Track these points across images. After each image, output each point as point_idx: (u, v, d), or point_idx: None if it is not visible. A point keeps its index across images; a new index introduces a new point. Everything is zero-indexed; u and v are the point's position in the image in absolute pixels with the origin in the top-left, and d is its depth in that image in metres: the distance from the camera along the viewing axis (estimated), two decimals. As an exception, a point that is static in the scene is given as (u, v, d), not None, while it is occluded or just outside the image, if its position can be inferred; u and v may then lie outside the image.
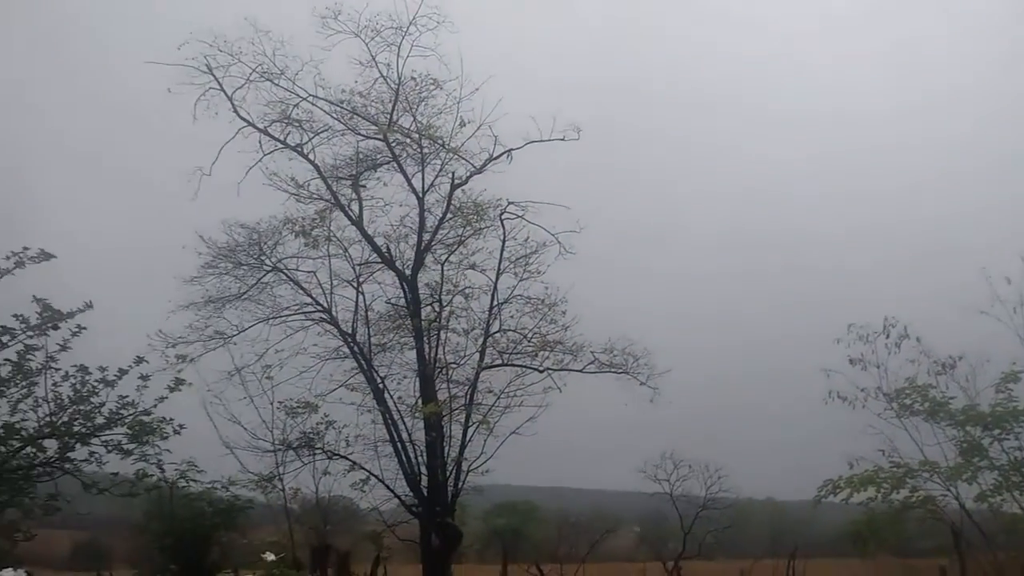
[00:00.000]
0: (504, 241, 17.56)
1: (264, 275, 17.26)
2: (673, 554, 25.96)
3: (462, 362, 17.61)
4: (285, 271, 17.35)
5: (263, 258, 17.21)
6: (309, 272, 17.48)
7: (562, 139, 16.62)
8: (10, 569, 7.14)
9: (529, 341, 17.47)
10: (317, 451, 17.02)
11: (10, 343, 11.66)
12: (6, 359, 11.64)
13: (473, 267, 17.86)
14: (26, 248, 11.77)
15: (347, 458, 17.05)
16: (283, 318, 17.28)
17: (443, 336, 17.50)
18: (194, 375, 14.72)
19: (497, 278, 17.63)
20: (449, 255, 17.82)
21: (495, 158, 16.98)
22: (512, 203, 17.33)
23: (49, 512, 12.02)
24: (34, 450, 11.80)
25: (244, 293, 17.14)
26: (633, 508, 43.42)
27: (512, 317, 17.69)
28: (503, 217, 17.46)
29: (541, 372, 17.30)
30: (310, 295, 17.43)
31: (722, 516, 25.96)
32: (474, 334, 17.61)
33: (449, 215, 17.48)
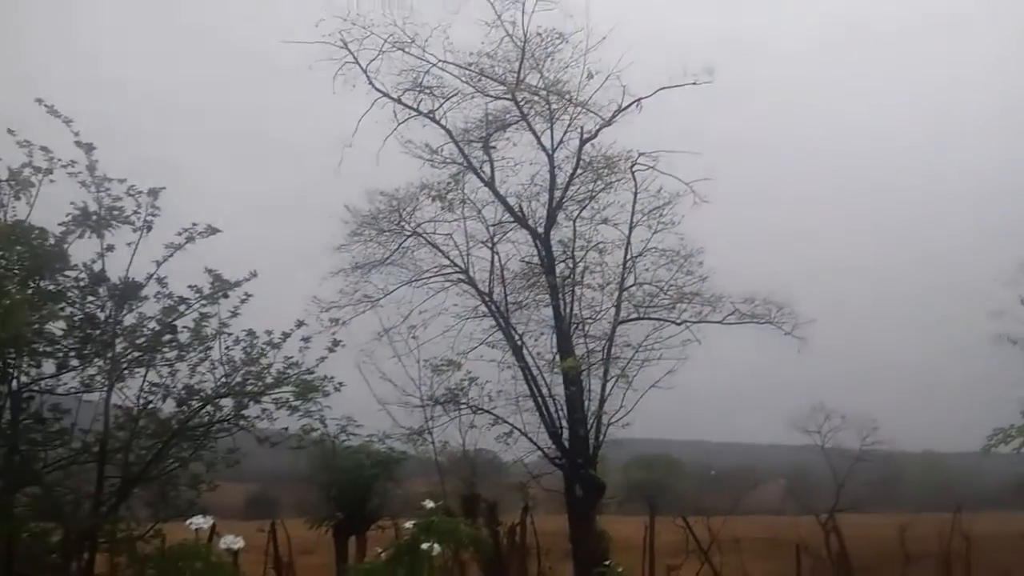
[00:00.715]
0: (636, 193, 17.37)
1: (405, 240, 17.88)
2: (821, 508, 25.17)
3: (598, 317, 17.69)
4: (424, 235, 17.90)
5: (403, 224, 17.82)
6: (446, 235, 17.98)
7: (694, 83, 16.18)
8: (199, 516, 7.94)
9: (665, 294, 17.31)
10: (462, 406, 17.60)
11: (187, 312, 12.73)
12: (184, 327, 12.70)
13: (605, 221, 17.78)
14: (195, 224, 12.72)
15: (491, 412, 17.54)
16: (424, 280, 17.91)
17: (578, 292, 17.61)
18: (347, 336, 15.47)
19: (630, 231, 17.51)
20: (581, 211, 17.80)
21: (624, 109, 16.75)
22: (643, 154, 17.07)
23: (230, 464, 13.09)
24: (212, 409, 12.80)
25: (387, 258, 17.85)
26: (775, 461, 42.32)
27: (647, 270, 17.60)
28: (634, 169, 17.24)
29: (679, 325, 17.14)
30: (448, 257, 17.95)
31: (877, 469, 24.87)
32: (609, 289, 17.61)
33: (579, 170, 17.43)
